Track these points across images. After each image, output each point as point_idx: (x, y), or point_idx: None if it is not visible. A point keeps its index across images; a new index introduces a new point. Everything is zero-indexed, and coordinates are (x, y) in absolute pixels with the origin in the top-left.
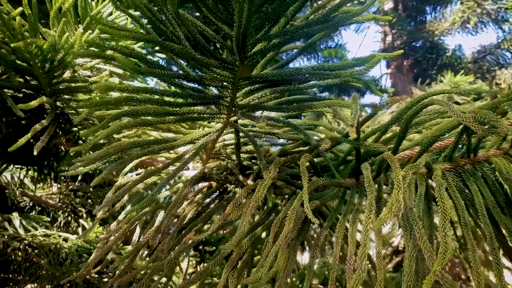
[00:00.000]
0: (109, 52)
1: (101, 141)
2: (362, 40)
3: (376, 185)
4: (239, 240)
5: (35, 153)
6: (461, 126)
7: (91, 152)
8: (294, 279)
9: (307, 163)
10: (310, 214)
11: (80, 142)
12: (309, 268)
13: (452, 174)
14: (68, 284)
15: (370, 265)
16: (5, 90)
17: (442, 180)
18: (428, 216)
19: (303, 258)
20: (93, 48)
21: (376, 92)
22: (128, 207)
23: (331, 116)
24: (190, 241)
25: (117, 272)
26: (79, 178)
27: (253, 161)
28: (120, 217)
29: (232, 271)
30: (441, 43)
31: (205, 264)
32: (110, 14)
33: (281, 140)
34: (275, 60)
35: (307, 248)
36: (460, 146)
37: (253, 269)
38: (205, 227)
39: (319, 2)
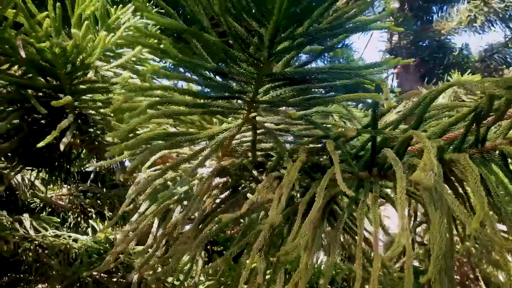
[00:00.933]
0: (150, 40)
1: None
2: (368, 40)
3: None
4: (276, 215)
5: (61, 148)
6: (471, 115)
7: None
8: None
9: (332, 148)
10: (344, 186)
11: (96, 143)
12: (330, 259)
13: None
14: (78, 284)
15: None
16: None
17: (466, 154)
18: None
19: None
20: (109, 52)
21: (387, 93)
22: (147, 202)
23: (337, 116)
24: (215, 227)
25: (137, 264)
26: (90, 178)
27: (267, 158)
28: (140, 210)
29: (258, 253)
30: (448, 43)
31: (212, 264)
32: (128, 20)
33: (290, 139)
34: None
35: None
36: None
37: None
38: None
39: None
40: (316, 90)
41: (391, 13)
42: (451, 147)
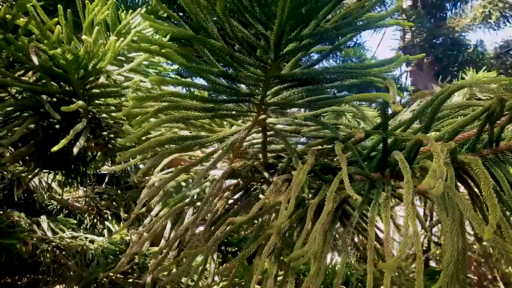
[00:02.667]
0: (154, 47)
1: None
2: (381, 39)
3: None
4: (284, 219)
5: (74, 152)
6: (484, 115)
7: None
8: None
9: (340, 151)
10: (351, 191)
11: (109, 146)
12: (342, 260)
13: None
14: (94, 285)
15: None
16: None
17: (478, 158)
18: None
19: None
20: (120, 57)
21: (398, 92)
22: (159, 205)
23: (351, 116)
24: (228, 228)
25: (150, 266)
26: (106, 180)
27: (278, 159)
28: (153, 213)
29: (269, 256)
30: (462, 39)
31: (226, 265)
32: (138, 24)
33: (302, 140)
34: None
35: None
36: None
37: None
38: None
39: (346, 1)
40: (329, 90)
41: (404, 11)
42: (465, 147)
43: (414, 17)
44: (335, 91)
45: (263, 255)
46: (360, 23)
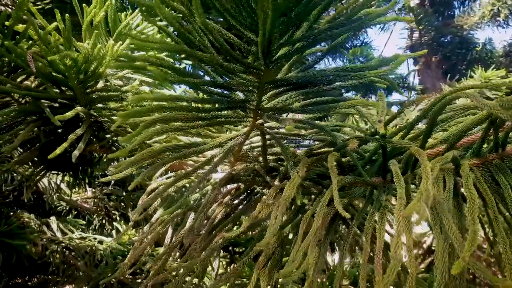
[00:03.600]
0: (139, 63)
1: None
2: (388, 38)
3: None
4: (270, 238)
5: (73, 160)
6: (488, 120)
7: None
8: (324, 280)
9: (335, 163)
10: (340, 208)
11: (114, 148)
12: (339, 266)
13: (481, 169)
14: (104, 285)
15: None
16: (42, 100)
17: (469, 172)
18: (458, 211)
19: (333, 259)
20: (122, 59)
21: (400, 91)
22: (161, 210)
23: (357, 117)
24: (221, 240)
25: (151, 272)
26: (112, 182)
27: (279, 162)
28: (153, 219)
29: (263, 269)
30: (470, 38)
31: (235, 265)
32: (138, 25)
33: (307, 142)
34: (300, 63)
35: (336, 249)
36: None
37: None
38: (235, 228)
39: (343, 1)
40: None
41: (411, 9)
42: (469, 151)
43: (421, 15)
44: (343, 91)
45: (256, 267)
46: (354, 23)
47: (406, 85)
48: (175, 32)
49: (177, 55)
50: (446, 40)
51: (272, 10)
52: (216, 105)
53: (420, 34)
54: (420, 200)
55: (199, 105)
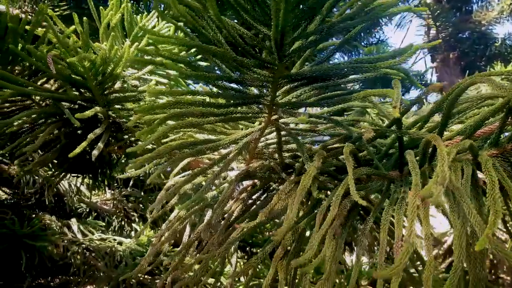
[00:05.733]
0: (158, 59)
1: (150, 146)
2: (404, 35)
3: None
4: (288, 229)
5: (93, 159)
6: (506, 108)
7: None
8: (342, 280)
9: (350, 154)
10: (356, 196)
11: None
12: (356, 262)
13: (500, 159)
14: (123, 285)
15: (419, 262)
16: (62, 102)
17: (489, 158)
18: (477, 201)
19: (352, 259)
20: (140, 55)
21: (416, 83)
22: (178, 207)
23: (375, 114)
24: (238, 233)
25: (169, 268)
26: (131, 183)
27: (295, 159)
28: (171, 216)
29: (280, 261)
30: (489, 33)
31: (252, 260)
32: (154, 27)
33: (322, 138)
34: (312, 58)
35: (355, 249)
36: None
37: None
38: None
39: None
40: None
41: (427, 6)
42: (488, 141)
43: (438, 12)
44: (360, 86)
45: (273, 261)
46: (368, 14)
47: (424, 82)
48: (189, 30)
49: (192, 50)
50: (464, 36)
51: (285, 1)
52: (231, 101)
53: (437, 30)
54: (437, 182)
55: (214, 101)
